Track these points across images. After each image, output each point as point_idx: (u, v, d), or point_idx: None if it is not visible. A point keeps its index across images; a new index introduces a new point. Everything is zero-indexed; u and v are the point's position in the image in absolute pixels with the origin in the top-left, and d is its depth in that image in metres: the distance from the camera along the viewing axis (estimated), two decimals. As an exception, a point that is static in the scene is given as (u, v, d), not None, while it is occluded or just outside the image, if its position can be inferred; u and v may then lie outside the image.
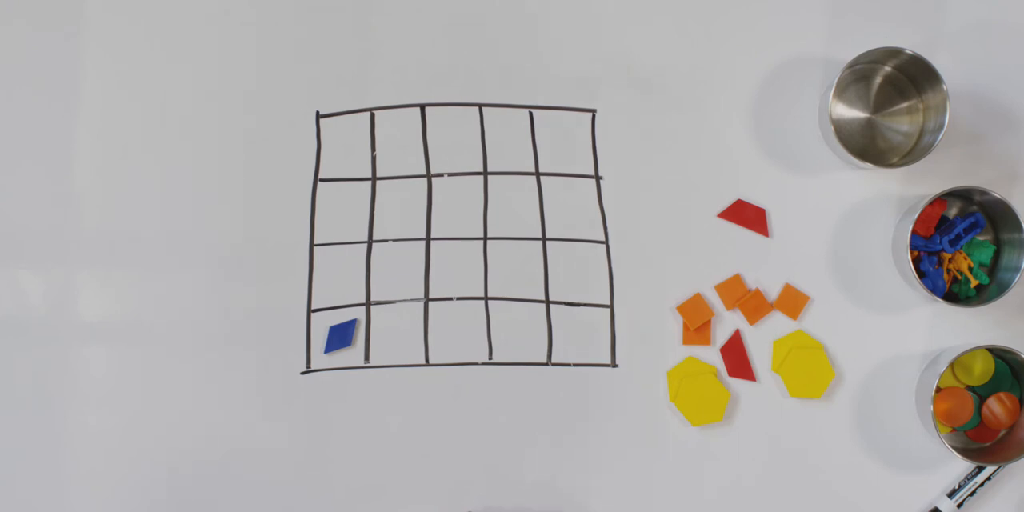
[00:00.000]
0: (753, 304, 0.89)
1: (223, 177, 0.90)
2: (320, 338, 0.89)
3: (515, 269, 0.89)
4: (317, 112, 0.91)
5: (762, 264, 0.89)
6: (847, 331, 0.89)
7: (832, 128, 0.84)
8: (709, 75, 0.90)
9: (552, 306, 0.89)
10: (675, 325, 0.89)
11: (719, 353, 0.89)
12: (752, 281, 0.89)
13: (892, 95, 0.89)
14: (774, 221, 0.89)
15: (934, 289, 0.86)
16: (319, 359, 0.89)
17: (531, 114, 0.90)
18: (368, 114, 0.91)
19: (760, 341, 0.89)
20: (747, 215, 0.89)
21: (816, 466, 0.88)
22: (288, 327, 0.89)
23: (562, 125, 0.90)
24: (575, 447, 0.88)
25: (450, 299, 0.89)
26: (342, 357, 0.89)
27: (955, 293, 0.88)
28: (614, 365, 0.89)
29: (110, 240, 0.90)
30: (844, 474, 0.88)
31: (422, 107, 0.91)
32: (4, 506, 0.89)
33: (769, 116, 0.90)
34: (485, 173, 0.90)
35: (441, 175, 0.90)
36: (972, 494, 0.87)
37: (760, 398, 0.89)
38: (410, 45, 0.91)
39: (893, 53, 0.85)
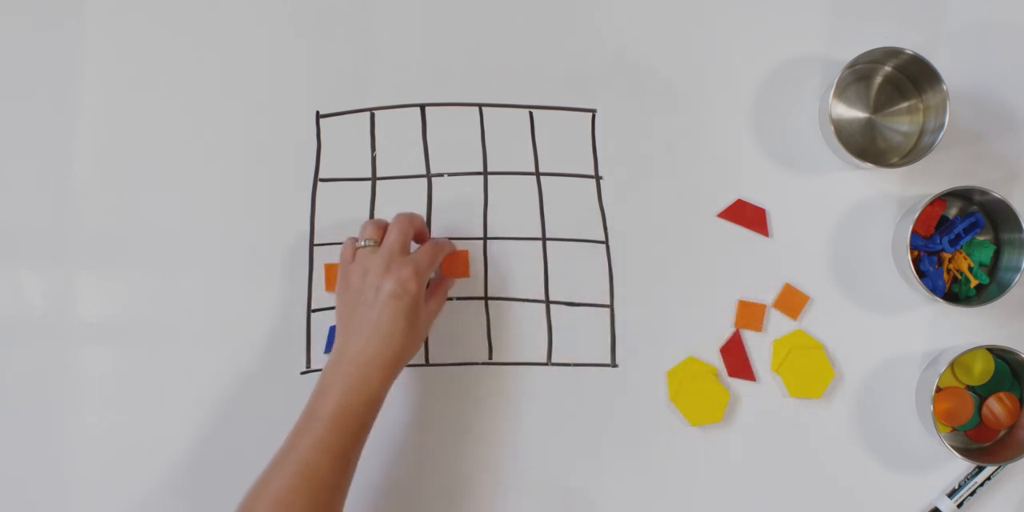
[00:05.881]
0: (753, 304, 0.89)
1: (223, 177, 0.90)
2: (320, 338, 0.89)
3: (515, 269, 0.89)
4: (317, 112, 0.90)
5: (762, 264, 0.89)
6: (847, 331, 0.89)
7: (832, 128, 0.84)
8: (709, 75, 0.90)
9: (552, 306, 0.89)
10: (676, 325, 0.89)
11: (719, 353, 0.89)
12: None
13: (892, 95, 0.89)
14: (774, 221, 0.89)
15: (934, 289, 0.86)
16: (319, 359, 0.89)
17: (531, 114, 0.90)
18: (368, 114, 0.90)
19: (760, 341, 0.89)
20: (747, 215, 0.89)
21: (816, 466, 0.88)
22: (288, 327, 0.89)
23: (562, 125, 0.90)
24: (575, 447, 0.88)
25: (450, 299, 0.89)
26: (342, 357, 0.89)
27: (955, 293, 0.88)
28: (614, 365, 0.89)
29: (110, 240, 0.90)
30: (844, 474, 0.88)
31: (422, 107, 0.91)
32: (4, 506, 0.88)
33: (769, 116, 0.90)
34: (485, 173, 0.90)
35: (441, 175, 0.90)
36: (972, 494, 0.87)
37: (760, 398, 0.89)
38: (410, 45, 0.91)
39: (893, 53, 0.85)
